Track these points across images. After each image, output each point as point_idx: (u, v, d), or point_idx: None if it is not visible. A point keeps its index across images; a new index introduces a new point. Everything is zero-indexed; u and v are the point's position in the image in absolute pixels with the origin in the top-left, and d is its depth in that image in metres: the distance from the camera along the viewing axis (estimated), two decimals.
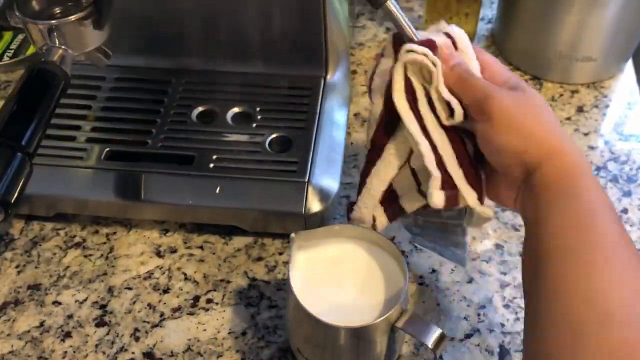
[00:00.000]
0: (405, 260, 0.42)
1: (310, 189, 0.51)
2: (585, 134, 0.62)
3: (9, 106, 0.43)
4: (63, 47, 0.45)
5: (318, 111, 0.57)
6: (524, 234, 0.38)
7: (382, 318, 0.40)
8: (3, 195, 0.38)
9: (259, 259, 0.53)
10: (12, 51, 0.70)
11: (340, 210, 0.56)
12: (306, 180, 0.52)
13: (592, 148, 0.61)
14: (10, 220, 0.55)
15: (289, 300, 0.43)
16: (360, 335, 0.41)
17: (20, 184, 0.40)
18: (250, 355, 0.47)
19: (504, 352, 0.46)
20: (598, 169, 0.59)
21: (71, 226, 0.56)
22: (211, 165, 0.53)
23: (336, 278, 0.43)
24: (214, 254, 0.53)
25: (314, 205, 0.51)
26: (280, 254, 0.53)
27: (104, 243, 0.54)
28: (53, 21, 0.44)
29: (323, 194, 0.52)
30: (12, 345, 0.48)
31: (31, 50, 0.70)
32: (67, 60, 0.46)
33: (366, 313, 0.41)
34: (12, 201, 0.39)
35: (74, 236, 0.55)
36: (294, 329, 0.45)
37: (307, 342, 0.44)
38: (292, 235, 0.43)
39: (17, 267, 0.53)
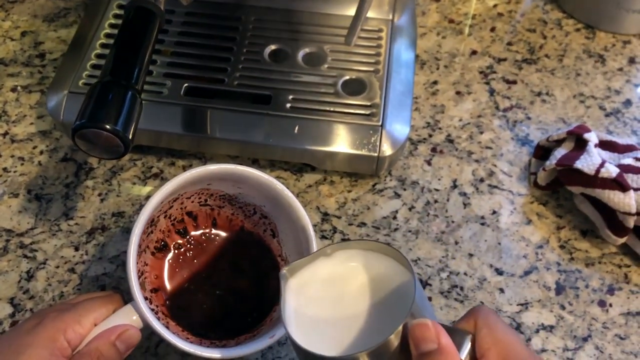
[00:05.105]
0: (410, 263, 0.36)
1: (384, 133, 0.54)
2: (637, 85, 0.65)
3: (114, 46, 0.44)
4: None
5: (387, 53, 0.59)
6: None
7: (381, 342, 0.33)
8: (123, 132, 0.40)
9: (329, 195, 0.56)
10: None
11: (404, 153, 0.59)
12: (380, 124, 0.54)
13: None
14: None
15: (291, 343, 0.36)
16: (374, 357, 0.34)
17: (135, 120, 0.42)
18: None
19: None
20: None
21: (147, 157, 0.58)
22: (288, 105, 0.55)
23: (340, 301, 0.38)
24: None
25: (386, 148, 0.54)
26: (349, 191, 0.56)
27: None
28: None
29: (395, 138, 0.54)
30: (104, 268, 0.52)
31: None
32: None
33: (381, 330, 0.35)
34: (130, 137, 0.41)
35: (151, 167, 0.58)
36: None
37: None
38: (283, 271, 0.38)
39: (99, 195, 0.56)
